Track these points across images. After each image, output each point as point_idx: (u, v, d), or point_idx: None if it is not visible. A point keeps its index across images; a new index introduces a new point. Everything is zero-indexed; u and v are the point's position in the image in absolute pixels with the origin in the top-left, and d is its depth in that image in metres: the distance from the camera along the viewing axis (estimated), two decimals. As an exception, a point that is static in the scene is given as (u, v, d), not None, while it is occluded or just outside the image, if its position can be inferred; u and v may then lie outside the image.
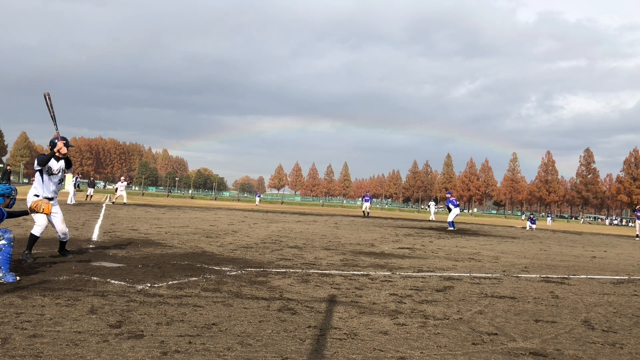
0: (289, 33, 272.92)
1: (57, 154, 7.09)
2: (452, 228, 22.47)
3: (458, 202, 24.10)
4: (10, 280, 5.43)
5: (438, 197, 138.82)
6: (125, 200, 28.66)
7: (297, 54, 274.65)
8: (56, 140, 7.20)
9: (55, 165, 7.20)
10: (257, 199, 63.42)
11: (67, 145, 7.20)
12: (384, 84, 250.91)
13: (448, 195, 23.78)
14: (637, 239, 26.46)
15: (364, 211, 35.27)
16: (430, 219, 37.44)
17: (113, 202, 29.03)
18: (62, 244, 7.55)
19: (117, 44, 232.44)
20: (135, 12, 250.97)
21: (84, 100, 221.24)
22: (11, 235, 5.64)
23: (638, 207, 29.78)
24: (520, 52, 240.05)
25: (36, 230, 6.99)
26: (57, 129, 7.10)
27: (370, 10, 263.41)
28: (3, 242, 5.55)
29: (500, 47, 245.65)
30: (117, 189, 30.66)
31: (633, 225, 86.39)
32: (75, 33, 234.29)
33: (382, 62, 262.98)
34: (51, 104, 7.00)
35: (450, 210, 23.02)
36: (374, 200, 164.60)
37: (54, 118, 7.06)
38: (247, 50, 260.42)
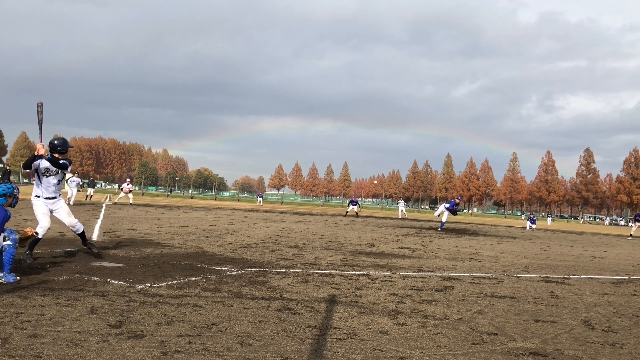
0: (291, 34, 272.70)
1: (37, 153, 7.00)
2: (436, 215, 23.90)
3: (455, 209, 23.53)
4: (11, 281, 5.44)
5: (438, 197, 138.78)
6: (131, 201, 28.99)
7: (298, 55, 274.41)
8: (55, 142, 7.18)
9: (46, 165, 7.11)
10: (260, 199, 62.49)
11: (55, 150, 7.11)
12: (385, 85, 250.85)
13: (458, 201, 23.68)
14: (630, 238, 27.30)
15: (348, 212, 35.37)
16: (401, 216, 37.68)
17: (115, 203, 29.04)
18: (82, 236, 7.56)
19: (119, 44, 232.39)
20: (137, 13, 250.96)
21: (85, 101, 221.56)
22: (16, 237, 5.67)
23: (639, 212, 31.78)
24: (521, 53, 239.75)
25: (38, 232, 6.98)
26: (40, 134, 6.91)
27: (372, 10, 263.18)
28: (8, 242, 5.58)
29: (501, 48, 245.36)
30: (122, 189, 30.89)
31: (633, 225, 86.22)
32: (77, 34, 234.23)
33: (383, 62, 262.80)
34: (41, 113, 6.92)
35: (449, 211, 22.75)
36: (374, 200, 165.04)
37: (40, 124, 6.90)
38: (249, 50, 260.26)
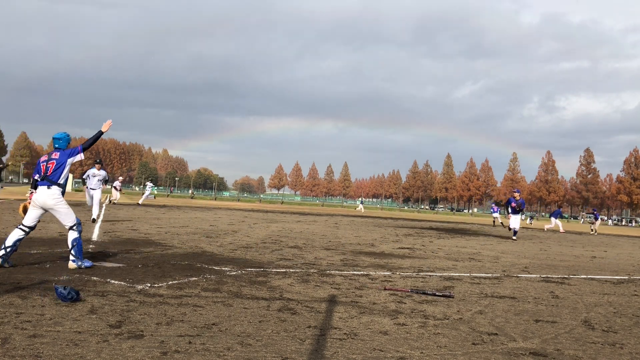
0: (294, 34, 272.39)
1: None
2: (514, 238, 18.37)
3: (521, 208, 18.58)
4: (88, 265, 6.37)
5: (438, 197, 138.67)
6: (115, 201, 28.59)
7: (301, 55, 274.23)
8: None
9: None
10: (360, 205, 56.37)
11: None
12: (387, 85, 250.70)
13: (516, 195, 18.83)
14: (594, 233, 30.71)
15: (503, 223, 30.69)
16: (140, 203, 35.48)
17: (114, 202, 28.79)
18: None
19: (122, 45, 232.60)
20: (140, 14, 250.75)
21: (86, 101, 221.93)
22: (81, 228, 6.57)
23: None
24: (524, 54, 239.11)
25: None
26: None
27: (375, 11, 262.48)
28: (74, 230, 6.41)
29: (503, 49, 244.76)
30: (115, 187, 30.74)
31: (633, 225, 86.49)
32: (80, 34, 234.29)
33: (386, 63, 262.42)
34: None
35: (510, 212, 18.52)
36: (375, 200, 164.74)
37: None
38: (251, 51, 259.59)
